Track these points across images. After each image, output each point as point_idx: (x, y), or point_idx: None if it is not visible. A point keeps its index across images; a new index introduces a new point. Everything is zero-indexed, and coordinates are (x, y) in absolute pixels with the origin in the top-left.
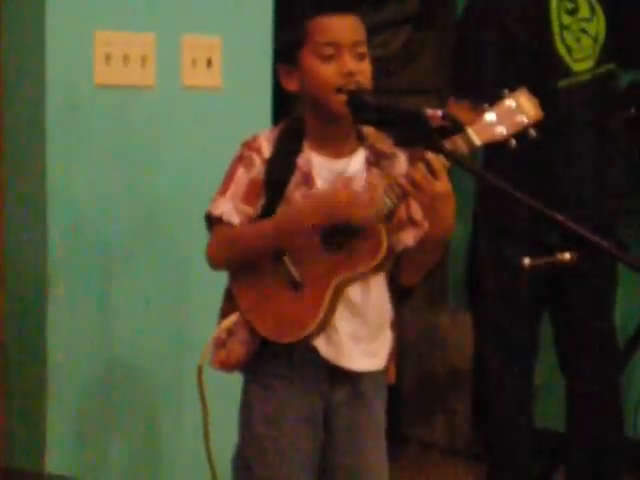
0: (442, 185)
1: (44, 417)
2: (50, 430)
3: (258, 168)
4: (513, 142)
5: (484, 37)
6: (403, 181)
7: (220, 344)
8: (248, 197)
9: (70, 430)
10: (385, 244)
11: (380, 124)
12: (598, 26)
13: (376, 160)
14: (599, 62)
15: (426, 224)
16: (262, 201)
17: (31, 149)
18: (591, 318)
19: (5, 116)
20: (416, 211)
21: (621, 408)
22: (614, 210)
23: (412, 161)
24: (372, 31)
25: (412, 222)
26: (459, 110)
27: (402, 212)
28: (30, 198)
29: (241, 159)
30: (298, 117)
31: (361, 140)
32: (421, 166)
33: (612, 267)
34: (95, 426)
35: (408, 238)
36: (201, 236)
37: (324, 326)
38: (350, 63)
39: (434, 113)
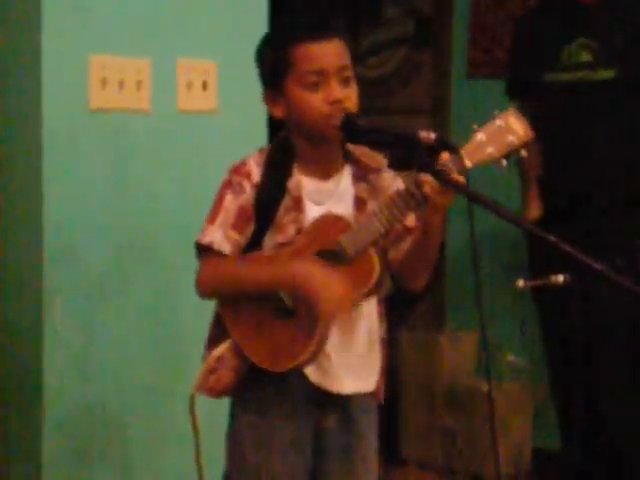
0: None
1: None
2: (46, 458)
3: (248, 194)
4: (504, 162)
5: None
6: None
7: (209, 370)
8: (238, 224)
9: (67, 459)
10: (377, 269)
11: (373, 146)
12: None
13: (363, 174)
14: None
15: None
16: (252, 227)
17: (27, 173)
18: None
19: (0, 140)
20: (409, 220)
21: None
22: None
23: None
24: (369, 52)
25: (407, 230)
26: None
27: (397, 226)
28: (26, 222)
29: (229, 185)
30: (285, 138)
31: (346, 156)
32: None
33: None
34: (89, 454)
35: (407, 244)
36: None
37: (317, 354)
38: (336, 91)
39: (427, 135)
